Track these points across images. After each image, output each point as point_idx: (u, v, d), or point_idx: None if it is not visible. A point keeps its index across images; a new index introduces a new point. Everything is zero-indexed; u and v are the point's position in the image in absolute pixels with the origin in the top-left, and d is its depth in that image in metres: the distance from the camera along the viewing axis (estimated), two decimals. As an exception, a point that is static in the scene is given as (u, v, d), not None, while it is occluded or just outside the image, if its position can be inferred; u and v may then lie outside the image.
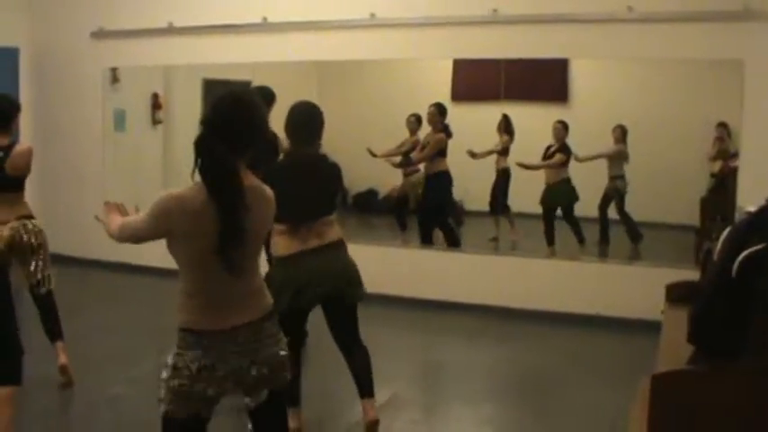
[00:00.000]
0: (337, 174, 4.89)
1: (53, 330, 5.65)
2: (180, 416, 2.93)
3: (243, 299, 2.98)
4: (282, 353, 3.09)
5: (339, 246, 4.75)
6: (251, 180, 2.95)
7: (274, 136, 5.71)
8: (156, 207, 2.87)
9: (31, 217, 5.56)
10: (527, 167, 9.03)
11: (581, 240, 8.85)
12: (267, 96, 6.41)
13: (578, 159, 8.90)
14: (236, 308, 2.96)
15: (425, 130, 9.30)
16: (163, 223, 2.86)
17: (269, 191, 3.07)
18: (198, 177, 2.85)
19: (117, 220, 3.18)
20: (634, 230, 8.90)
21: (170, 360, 2.94)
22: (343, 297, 4.75)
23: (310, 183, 4.64)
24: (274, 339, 3.06)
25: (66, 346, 5.65)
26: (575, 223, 8.94)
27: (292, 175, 4.59)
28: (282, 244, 4.60)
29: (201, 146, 2.84)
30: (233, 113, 2.90)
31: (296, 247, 4.60)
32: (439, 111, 9.05)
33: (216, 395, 2.96)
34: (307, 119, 4.73)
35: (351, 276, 4.77)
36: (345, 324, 4.86)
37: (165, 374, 2.94)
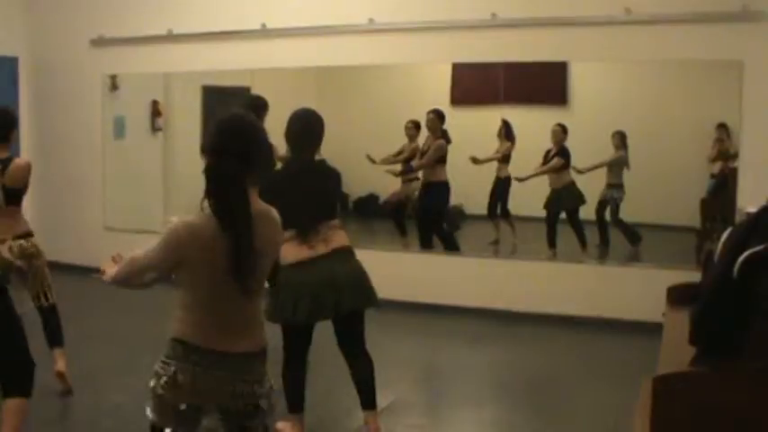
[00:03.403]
0: (336, 179, 4.86)
1: (53, 337, 5.64)
2: (163, 426, 2.92)
3: (244, 327, 2.96)
4: (262, 398, 3.01)
5: (346, 253, 4.72)
6: (258, 205, 2.94)
7: (270, 145, 5.71)
8: (168, 237, 2.84)
9: (29, 235, 5.51)
10: (524, 179, 9.03)
11: (583, 244, 8.84)
12: (260, 105, 6.42)
13: (579, 171, 8.89)
14: (234, 335, 2.92)
15: (424, 135, 9.29)
16: (174, 254, 2.83)
17: (275, 214, 3.04)
18: (206, 205, 2.83)
19: (114, 267, 3.13)
20: (632, 234, 8.89)
21: (155, 368, 2.92)
22: (351, 306, 4.69)
23: (311, 188, 4.62)
24: (260, 378, 3.00)
25: (66, 354, 5.64)
26: (579, 227, 8.92)
27: (293, 182, 4.57)
28: (291, 251, 4.56)
29: (211, 173, 2.82)
30: (233, 137, 2.88)
31: (305, 253, 4.57)
32: (438, 117, 9.03)
33: (195, 412, 2.92)
34: (307, 126, 4.71)
35: (359, 284, 4.70)
36: (352, 332, 4.81)
37: (151, 383, 2.92)
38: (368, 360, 4.83)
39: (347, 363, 4.86)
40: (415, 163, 9.36)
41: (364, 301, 4.74)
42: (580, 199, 8.97)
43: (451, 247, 8.96)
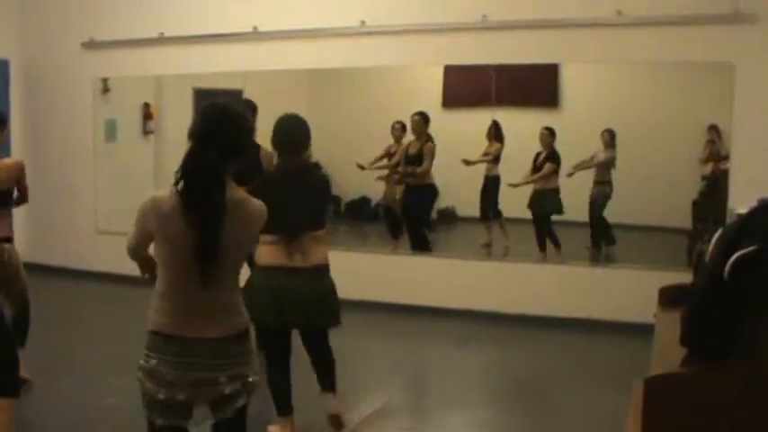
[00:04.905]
0: (326, 186, 4.93)
1: (19, 338, 5.57)
2: (156, 421, 2.96)
3: (212, 313, 2.96)
4: (250, 378, 3.04)
5: (322, 271, 4.75)
6: (235, 193, 2.94)
7: (257, 147, 5.73)
8: (138, 209, 2.97)
9: (8, 240, 5.44)
10: (518, 186, 9.04)
11: (557, 246, 8.83)
12: (248, 108, 6.43)
13: (569, 174, 8.91)
14: (204, 320, 2.94)
15: (409, 137, 9.29)
16: (143, 224, 2.96)
17: (254, 206, 3.02)
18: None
19: None
20: (608, 235, 8.98)
21: (140, 362, 2.97)
22: (315, 325, 4.78)
23: (298, 194, 4.62)
24: (243, 360, 3.02)
25: (26, 353, 5.56)
26: (550, 232, 8.93)
27: (280, 187, 4.58)
28: (266, 254, 4.60)
29: (190, 159, 2.87)
30: (218, 123, 2.91)
31: (279, 260, 4.59)
32: (423, 119, 9.03)
33: (185, 403, 2.94)
34: (293, 131, 4.75)
35: (326, 306, 4.76)
36: (316, 343, 4.91)
37: (139, 376, 2.97)
38: (329, 360, 4.92)
39: (309, 356, 4.94)
40: (419, 169, 9.23)
41: (324, 321, 4.80)
42: (557, 206, 8.97)
43: (422, 246, 8.97)
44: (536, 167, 9.00)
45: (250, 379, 3.03)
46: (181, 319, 2.92)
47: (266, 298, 4.56)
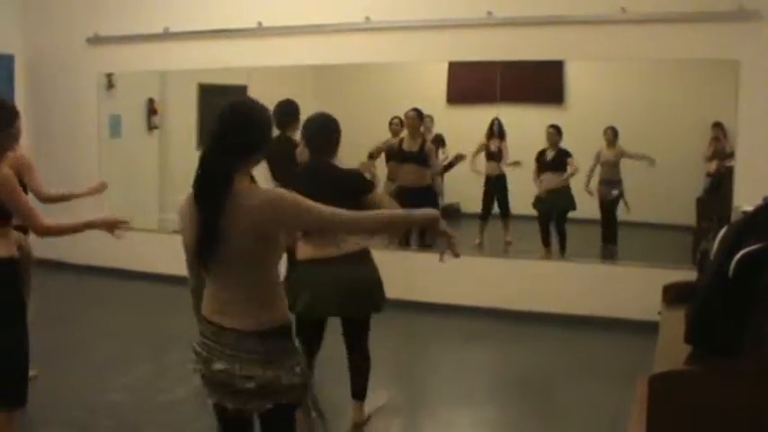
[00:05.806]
0: (356, 178, 4.84)
1: None
2: (210, 399, 3.05)
3: (230, 305, 2.97)
4: (283, 381, 2.95)
5: (359, 257, 4.76)
6: (245, 186, 2.92)
7: (291, 142, 5.74)
8: None
9: (23, 230, 5.42)
10: (553, 190, 9.02)
11: (563, 248, 8.83)
12: (290, 110, 6.44)
13: (590, 180, 8.91)
14: (225, 310, 2.97)
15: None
16: (182, 235, 3.06)
17: (258, 197, 2.87)
18: None
19: None
20: (614, 233, 8.98)
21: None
22: (353, 313, 4.82)
23: (323, 191, 4.61)
24: (270, 358, 2.94)
25: None
26: (563, 231, 8.92)
27: (309, 182, 4.59)
28: (301, 248, 4.69)
29: (201, 159, 2.92)
30: (227, 122, 2.93)
31: (308, 253, 4.65)
32: (419, 116, 8.96)
33: (227, 386, 2.95)
34: (325, 130, 4.80)
35: (364, 291, 4.78)
36: (352, 331, 4.97)
37: None
38: (363, 357, 4.98)
39: (346, 352, 5.02)
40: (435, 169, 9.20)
41: (366, 308, 4.85)
42: (572, 203, 8.95)
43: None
44: (544, 164, 8.97)
45: (284, 382, 2.95)
46: (212, 307, 3.00)
47: (300, 289, 4.64)
